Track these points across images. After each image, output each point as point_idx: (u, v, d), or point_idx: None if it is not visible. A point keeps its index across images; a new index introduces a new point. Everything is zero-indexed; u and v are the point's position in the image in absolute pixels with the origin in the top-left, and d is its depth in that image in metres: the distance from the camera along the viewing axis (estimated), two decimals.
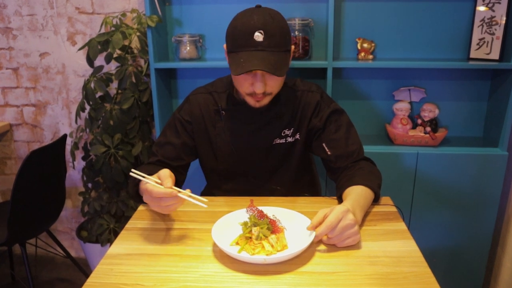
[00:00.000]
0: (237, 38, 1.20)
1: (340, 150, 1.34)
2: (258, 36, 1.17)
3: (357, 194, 1.18)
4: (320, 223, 1.03)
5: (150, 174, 1.19)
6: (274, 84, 1.26)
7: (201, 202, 1.05)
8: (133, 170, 1.15)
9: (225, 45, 1.28)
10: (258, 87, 1.23)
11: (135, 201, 1.33)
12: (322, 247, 1.04)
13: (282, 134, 1.40)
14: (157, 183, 1.09)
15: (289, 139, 1.41)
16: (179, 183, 1.39)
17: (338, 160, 1.34)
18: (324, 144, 1.36)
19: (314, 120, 1.38)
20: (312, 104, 1.38)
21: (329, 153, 1.35)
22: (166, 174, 1.09)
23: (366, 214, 1.19)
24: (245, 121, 1.38)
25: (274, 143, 1.40)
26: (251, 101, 1.29)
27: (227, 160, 1.43)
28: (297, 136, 1.41)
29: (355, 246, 1.05)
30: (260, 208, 1.13)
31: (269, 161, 1.43)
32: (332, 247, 1.04)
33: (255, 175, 1.45)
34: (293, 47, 1.30)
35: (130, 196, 1.35)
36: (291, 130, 1.40)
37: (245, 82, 1.25)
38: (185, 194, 1.07)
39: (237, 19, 1.23)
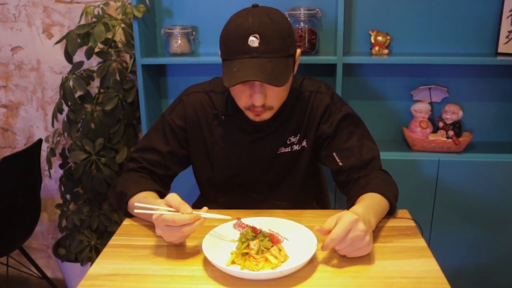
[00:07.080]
0: (230, 44, 1.19)
1: (353, 160, 1.33)
2: (253, 41, 1.15)
3: (371, 199, 1.19)
4: (330, 230, 1.03)
5: (140, 189, 1.25)
6: (275, 96, 1.24)
7: (225, 216, 1.12)
8: (136, 204, 1.14)
9: (220, 52, 1.26)
10: (256, 99, 1.21)
11: (126, 216, 1.32)
12: (328, 266, 1.05)
13: (288, 142, 1.39)
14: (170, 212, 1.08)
15: (295, 147, 1.40)
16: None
17: (352, 171, 1.33)
18: (335, 154, 1.35)
19: (323, 126, 1.37)
20: (321, 108, 1.37)
21: (340, 164, 1.34)
22: (178, 199, 1.10)
23: (380, 229, 1.20)
24: (247, 129, 1.37)
25: (279, 152, 1.39)
26: (250, 115, 1.28)
27: (225, 172, 1.42)
28: (304, 144, 1.40)
29: (368, 264, 1.05)
30: (251, 219, 1.17)
31: (271, 173, 1.42)
32: (341, 264, 1.05)
33: (254, 188, 1.44)
34: (298, 50, 1.29)
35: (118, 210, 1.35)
36: (297, 137, 1.39)
37: (242, 94, 1.24)
38: (207, 214, 1.11)
39: (231, 21, 1.21)
